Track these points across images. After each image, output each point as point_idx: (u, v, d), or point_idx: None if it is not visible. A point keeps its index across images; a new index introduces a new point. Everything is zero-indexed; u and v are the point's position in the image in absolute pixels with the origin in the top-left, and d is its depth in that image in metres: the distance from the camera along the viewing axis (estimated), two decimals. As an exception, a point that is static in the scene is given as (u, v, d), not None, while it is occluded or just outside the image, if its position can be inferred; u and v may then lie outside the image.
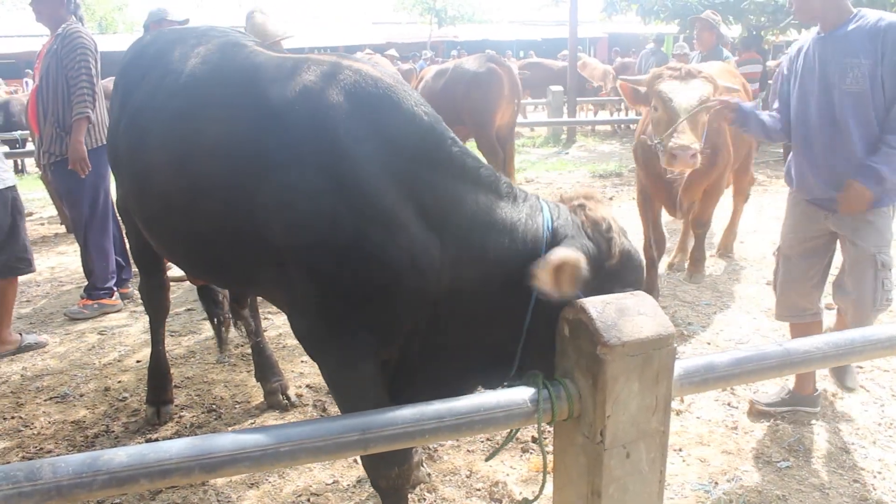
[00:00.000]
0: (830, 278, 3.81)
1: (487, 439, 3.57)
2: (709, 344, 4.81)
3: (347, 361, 2.45)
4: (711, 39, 7.62)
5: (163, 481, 1.80)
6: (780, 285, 3.81)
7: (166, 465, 1.77)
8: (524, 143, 15.33)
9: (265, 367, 4.02)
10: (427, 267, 2.33)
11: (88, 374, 4.52)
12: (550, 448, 2.27)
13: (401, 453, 2.52)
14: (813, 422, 3.78)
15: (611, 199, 9.48)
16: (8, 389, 4.33)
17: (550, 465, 2.27)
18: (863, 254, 3.41)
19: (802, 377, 3.82)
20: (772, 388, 4.00)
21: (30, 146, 8.42)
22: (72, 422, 3.90)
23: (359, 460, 3.18)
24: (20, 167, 13.16)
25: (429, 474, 3.27)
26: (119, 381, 4.40)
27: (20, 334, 4.98)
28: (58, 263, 7.22)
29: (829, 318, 4.19)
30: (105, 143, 4.98)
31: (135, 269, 4.49)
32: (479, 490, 3.21)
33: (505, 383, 2.37)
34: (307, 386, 4.21)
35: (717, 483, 3.27)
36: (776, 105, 3.73)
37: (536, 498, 2.31)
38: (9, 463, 1.74)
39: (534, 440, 3.48)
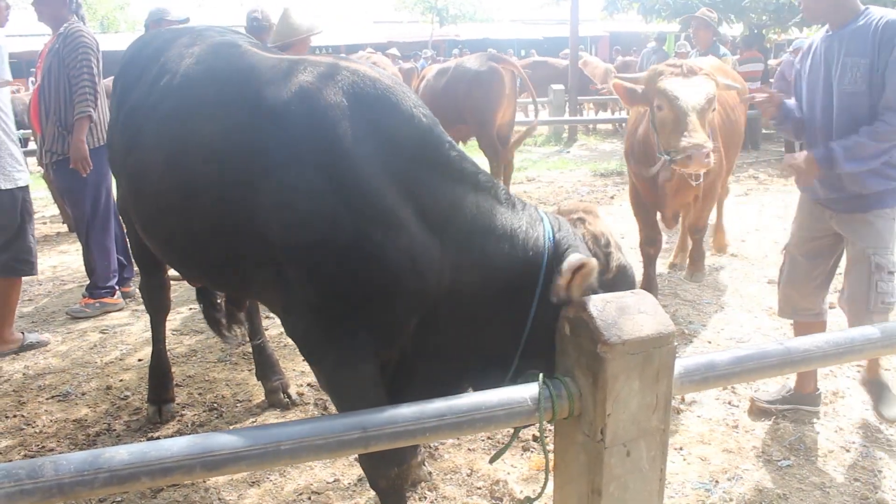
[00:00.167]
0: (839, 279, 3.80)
1: (488, 438, 3.57)
2: (710, 343, 4.81)
3: (347, 363, 2.43)
4: (708, 38, 7.61)
5: (164, 479, 1.81)
6: (784, 283, 3.79)
7: (167, 463, 1.77)
8: (525, 142, 15.30)
9: (266, 366, 4.03)
10: (427, 268, 2.33)
11: (90, 372, 4.53)
12: (552, 447, 2.28)
13: (400, 453, 2.52)
14: (814, 420, 3.78)
15: (612, 197, 9.48)
16: (10, 388, 4.34)
17: (538, 463, 2.28)
18: (859, 254, 3.39)
19: (804, 376, 3.82)
20: (773, 386, 4.01)
21: (32, 145, 8.43)
22: (73, 420, 3.91)
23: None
24: (22, 166, 13.16)
25: (430, 473, 3.27)
26: (121, 380, 4.41)
27: (22, 333, 4.99)
28: (60, 262, 7.23)
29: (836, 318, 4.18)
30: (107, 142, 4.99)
31: (136, 267, 4.49)
32: (479, 489, 3.21)
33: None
34: (308, 384, 4.22)
35: (717, 482, 3.27)
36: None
37: (538, 496, 2.32)
38: (11, 461, 1.75)
39: (535, 439, 3.48)
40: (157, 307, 3.85)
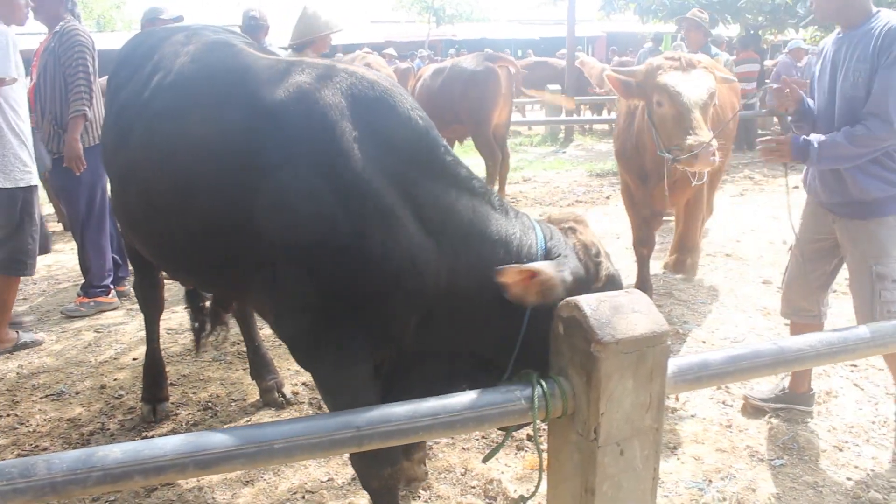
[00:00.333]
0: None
1: (483, 437, 3.58)
2: (704, 342, 4.82)
3: (342, 364, 2.43)
4: (700, 38, 7.59)
5: (157, 478, 1.81)
6: (785, 283, 3.78)
7: (161, 461, 1.77)
8: (521, 142, 15.35)
9: (261, 365, 4.02)
10: (425, 269, 2.34)
11: (84, 371, 4.52)
12: (545, 446, 2.28)
13: (393, 453, 2.52)
14: (807, 420, 3.79)
15: (608, 197, 9.49)
16: (4, 387, 4.33)
17: (532, 462, 2.28)
18: (860, 265, 3.35)
19: (798, 375, 3.82)
20: (766, 385, 4.01)
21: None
22: (67, 419, 3.90)
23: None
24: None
25: (427, 472, 3.27)
26: (115, 379, 4.40)
27: (17, 332, 4.98)
28: (55, 261, 7.21)
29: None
30: (101, 141, 4.98)
31: (131, 266, 4.49)
32: (473, 488, 3.22)
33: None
34: (303, 383, 4.22)
35: (711, 481, 3.28)
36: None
37: (532, 495, 2.33)
38: (4, 460, 1.75)
39: (529, 438, 3.49)
40: (152, 306, 3.84)
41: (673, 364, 2.20)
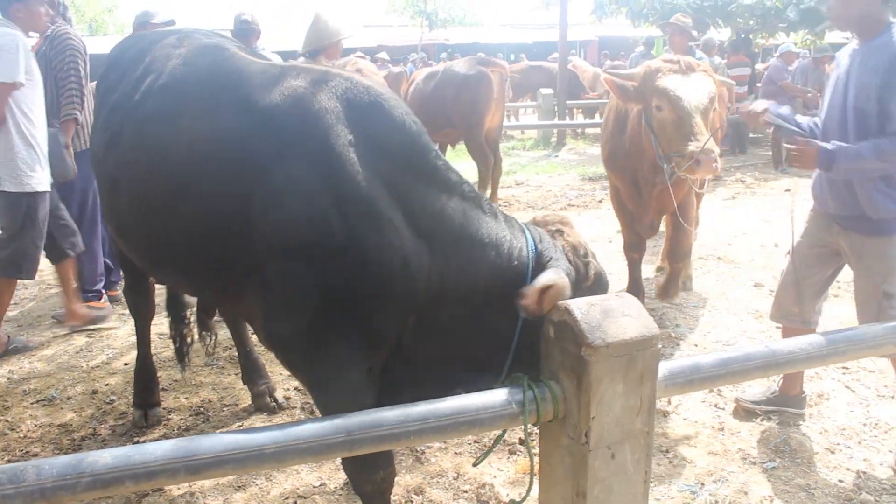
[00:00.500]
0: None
1: (475, 441, 3.58)
2: (696, 346, 4.83)
3: (335, 367, 2.43)
4: (684, 43, 7.58)
5: (148, 483, 1.81)
6: (779, 286, 3.74)
7: (151, 466, 1.77)
8: (514, 146, 15.36)
9: (252, 370, 4.01)
10: (417, 272, 2.36)
11: (76, 376, 4.50)
12: (537, 450, 2.28)
13: (385, 457, 2.52)
14: (799, 422, 3.80)
15: (600, 201, 9.51)
16: (-6, 393, 4.32)
17: (525, 466, 2.29)
18: (866, 280, 3.31)
19: (790, 378, 3.83)
20: (758, 387, 4.02)
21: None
22: (58, 425, 3.88)
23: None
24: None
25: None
26: (107, 384, 4.38)
27: (7, 336, 4.96)
28: (46, 266, 7.10)
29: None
30: (94, 145, 4.97)
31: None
32: (466, 492, 3.21)
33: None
34: (295, 388, 4.21)
35: (703, 484, 3.28)
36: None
37: (523, 499, 2.32)
38: (-6, 466, 1.76)
39: (521, 442, 3.49)
40: (142, 311, 3.83)
41: (664, 367, 2.21)
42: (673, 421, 3.83)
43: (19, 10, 4.68)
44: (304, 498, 3.19)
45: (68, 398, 4.21)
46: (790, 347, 2.52)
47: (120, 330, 5.30)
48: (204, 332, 4.02)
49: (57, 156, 4.95)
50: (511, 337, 2.42)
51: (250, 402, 4.03)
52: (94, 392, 4.27)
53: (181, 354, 3.95)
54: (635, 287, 5.16)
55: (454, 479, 3.31)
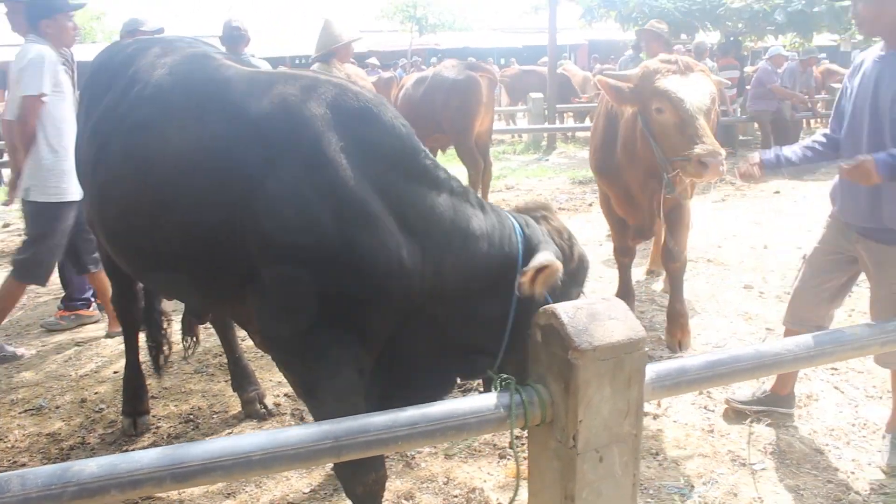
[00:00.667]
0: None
1: (465, 445, 3.57)
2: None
3: (331, 370, 2.45)
4: (659, 49, 7.60)
5: (134, 492, 1.80)
6: (794, 291, 3.67)
7: (137, 475, 1.76)
8: (504, 150, 15.38)
9: (242, 377, 4.01)
10: (411, 270, 2.41)
11: (65, 385, 4.48)
12: (525, 454, 2.28)
13: (377, 458, 2.53)
14: (788, 423, 3.81)
15: (590, 205, 9.53)
16: (-18, 402, 4.29)
17: (515, 470, 2.29)
18: (885, 290, 3.27)
19: (781, 378, 3.82)
20: (748, 388, 4.03)
21: (6, 157, 8.33)
22: (47, 434, 3.86)
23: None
24: (-2, 178, 13.03)
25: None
26: (96, 393, 4.36)
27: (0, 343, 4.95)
28: (34, 274, 7.14)
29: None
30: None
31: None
32: (456, 497, 3.21)
33: (479, 390, 2.41)
34: (285, 394, 4.20)
35: (693, 486, 3.29)
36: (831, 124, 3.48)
37: (511, 503, 2.32)
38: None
39: (511, 446, 3.48)
40: (130, 319, 3.82)
41: (651, 370, 2.22)
42: (663, 423, 3.83)
43: (48, 26, 4.79)
44: (294, 504, 3.19)
45: (57, 407, 4.19)
46: (777, 349, 2.53)
47: (109, 338, 5.27)
48: (187, 336, 4.01)
49: None
50: (505, 319, 2.54)
51: (240, 409, 4.02)
52: (83, 401, 4.25)
53: (156, 362, 3.96)
54: (625, 291, 5.15)
55: (444, 483, 3.31)
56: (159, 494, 3.18)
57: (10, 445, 3.76)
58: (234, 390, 4.05)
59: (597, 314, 2.08)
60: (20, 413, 4.13)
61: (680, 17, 15.92)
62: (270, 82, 2.61)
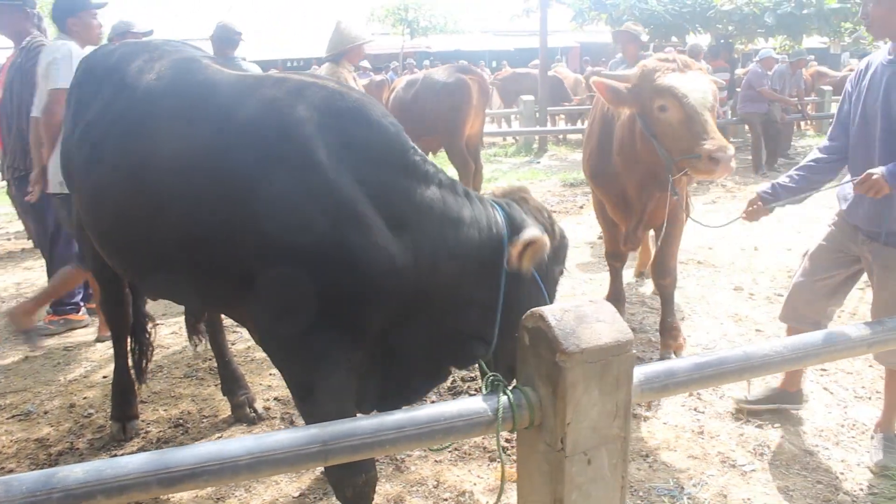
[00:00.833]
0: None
1: (455, 449, 3.57)
2: (676, 350, 4.83)
3: (326, 369, 2.48)
4: (635, 51, 7.62)
5: (120, 497, 1.79)
6: (792, 286, 3.68)
7: (124, 480, 1.75)
8: (496, 153, 15.39)
9: (232, 381, 3.99)
10: (405, 266, 2.45)
11: (53, 390, 4.45)
12: (514, 457, 2.28)
13: (367, 460, 2.54)
14: (777, 425, 3.82)
15: (581, 207, 9.55)
16: (-30, 408, 4.26)
17: (507, 474, 2.30)
18: (887, 294, 3.26)
19: (790, 375, 3.83)
20: (757, 387, 4.03)
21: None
22: (35, 440, 3.84)
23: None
24: (-14, 182, 12.96)
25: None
26: (84, 398, 4.34)
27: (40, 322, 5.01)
28: (24, 279, 7.12)
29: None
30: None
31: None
32: (446, 500, 3.21)
33: (470, 393, 2.42)
34: (275, 399, 4.19)
35: (683, 488, 3.29)
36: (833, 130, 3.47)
37: (496, 504, 2.33)
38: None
39: (503, 450, 3.48)
40: (119, 323, 3.80)
41: (639, 372, 2.22)
42: (652, 425, 3.84)
43: (74, 24, 4.91)
44: (284, 509, 3.18)
45: (45, 412, 4.17)
46: (765, 350, 2.53)
47: (99, 342, 5.25)
48: (193, 336, 4.02)
49: None
50: (496, 301, 2.60)
51: (230, 413, 4.01)
52: (72, 406, 4.23)
53: (139, 368, 3.95)
54: (616, 294, 5.17)
55: (434, 487, 3.30)
56: (148, 500, 3.16)
57: (-3, 451, 3.74)
58: (224, 394, 4.03)
59: (584, 317, 2.07)
60: (8, 419, 4.11)
61: (670, 19, 15.97)
62: (259, 86, 2.64)
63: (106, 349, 5.02)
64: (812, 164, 3.47)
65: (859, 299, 5.42)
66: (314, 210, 2.37)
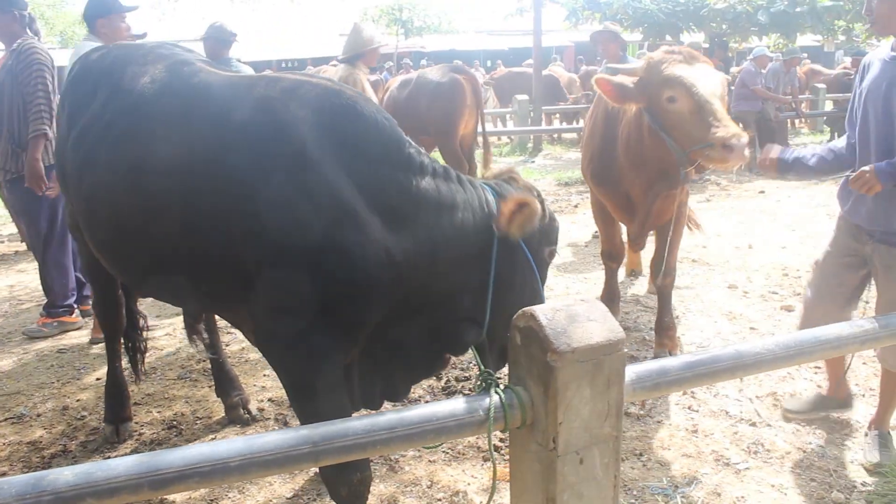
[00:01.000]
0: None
1: (449, 449, 3.57)
2: (671, 348, 4.83)
3: (322, 368, 2.49)
4: (616, 50, 7.60)
5: (111, 500, 1.78)
6: (807, 300, 3.64)
7: (114, 483, 1.75)
8: (491, 152, 15.37)
9: (225, 382, 3.98)
10: (403, 259, 2.47)
11: (46, 393, 4.44)
12: (507, 457, 2.28)
13: (362, 459, 2.53)
14: (771, 423, 3.83)
15: (576, 206, 9.56)
16: (-37, 411, 4.24)
17: (501, 473, 2.30)
18: (891, 295, 3.24)
19: (834, 382, 3.80)
20: (804, 395, 4.01)
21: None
22: (28, 442, 3.82)
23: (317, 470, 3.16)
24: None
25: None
26: (78, 400, 4.33)
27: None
28: (17, 282, 7.10)
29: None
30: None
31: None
32: (440, 500, 3.20)
33: (464, 393, 2.43)
34: (269, 400, 4.18)
35: (677, 486, 3.30)
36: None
37: (488, 504, 2.33)
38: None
39: (497, 449, 3.48)
40: (112, 324, 3.79)
41: (631, 371, 2.22)
42: (647, 424, 3.84)
43: (103, 26, 5.08)
44: (278, 510, 3.17)
45: (38, 415, 4.15)
46: (757, 349, 2.53)
47: (93, 344, 5.23)
48: (193, 336, 4.02)
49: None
50: (487, 282, 2.61)
51: (224, 415, 4.00)
52: (65, 408, 4.22)
53: (135, 367, 3.97)
54: (611, 294, 5.17)
55: (428, 487, 3.30)
56: (139, 502, 3.15)
57: (-10, 454, 3.73)
58: (218, 396, 4.03)
59: (576, 316, 2.07)
60: (1, 422, 4.09)
61: (664, 18, 16.02)
62: (253, 87, 2.67)
63: (99, 352, 5.01)
64: (836, 150, 3.42)
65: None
66: (310, 209, 2.39)
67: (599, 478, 2.16)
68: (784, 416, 3.91)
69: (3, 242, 8.79)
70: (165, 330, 5.41)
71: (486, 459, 3.49)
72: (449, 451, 3.56)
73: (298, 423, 2.72)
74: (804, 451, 3.58)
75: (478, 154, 9.32)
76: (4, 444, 3.82)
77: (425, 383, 4.21)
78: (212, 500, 3.23)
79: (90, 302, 5.85)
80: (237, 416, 3.94)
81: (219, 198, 2.48)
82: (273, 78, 2.73)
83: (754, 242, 7.28)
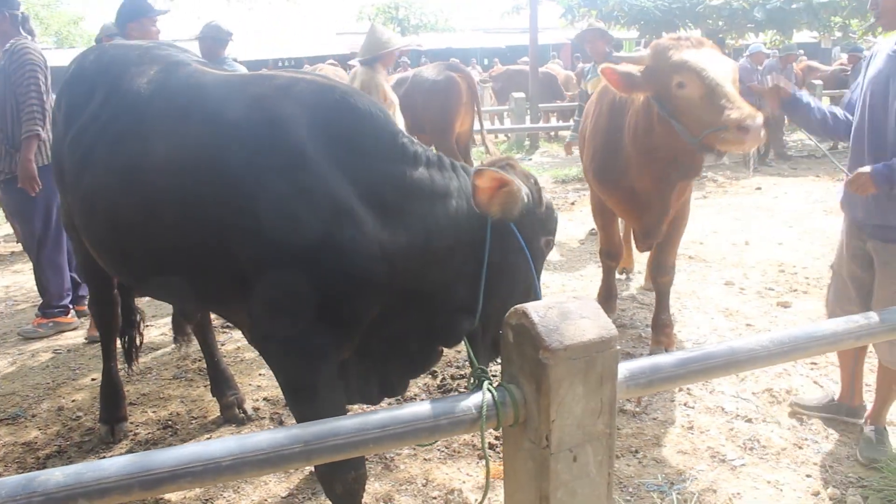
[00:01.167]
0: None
1: (445, 447, 3.56)
2: (667, 345, 4.83)
3: (318, 367, 2.50)
4: (603, 48, 7.57)
5: (102, 500, 1.77)
6: (830, 301, 3.64)
7: (105, 483, 1.74)
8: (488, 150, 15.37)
9: (221, 382, 3.98)
10: (396, 254, 2.47)
11: (41, 393, 4.43)
12: (500, 455, 2.27)
13: (357, 457, 2.52)
14: (766, 419, 3.83)
15: (572, 203, 9.55)
16: (-42, 412, 4.23)
17: (493, 471, 2.29)
18: (887, 292, 3.24)
19: (847, 389, 3.78)
20: (816, 393, 4.00)
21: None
22: (23, 443, 3.82)
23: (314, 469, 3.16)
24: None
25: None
26: (73, 401, 4.32)
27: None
28: (13, 282, 7.09)
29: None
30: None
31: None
32: (435, 498, 3.20)
33: (459, 390, 2.42)
34: (264, 399, 4.17)
35: (672, 483, 3.29)
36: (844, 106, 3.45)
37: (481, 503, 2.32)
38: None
39: (491, 447, 3.48)
40: (107, 324, 3.79)
41: (624, 368, 2.21)
42: (642, 421, 3.83)
43: (134, 29, 5.14)
44: (273, 510, 3.17)
45: (33, 416, 4.15)
46: (751, 345, 2.52)
47: (88, 345, 5.22)
48: (178, 337, 4.02)
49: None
50: (479, 270, 2.56)
51: (219, 414, 4.00)
52: (60, 409, 4.21)
53: (129, 354, 3.97)
54: (608, 292, 5.18)
55: (423, 485, 3.29)
56: (133, 503, 3.14)
57: (-16, 455, 3.72)
58: (213, 395, 4.02)
59: (568, 313, 2.06)
60: (-4, 422, 4.09)
61: (660, 15, 16.01)
62: (247, 85, 2.68)
63: (94, 352, 5.00)
64: (839, 117, 3.41)
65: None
66: (305, 206, 2.39)
67: (593, 475, 2.16)
68: (791, 409, 3.91)
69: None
70: (161, 329, 5.41)
71: (481, 457, 3.48)
72: (444, 449, 3.55)
73: (294, 421, 2.72)
74: (800, 447, 3.58)
75: (476, 152, 9.32)
76: (-1, 444, 3.82)
77: (421, 381, 4.20)
78: (207, 500, 3.23)
79: (86, 302, 5.85)
80: (233, 415, 3.94)
81: (215, 196, 2.49)
82: (267, 76, 2.74)
83: (751, 239, 7.28)
